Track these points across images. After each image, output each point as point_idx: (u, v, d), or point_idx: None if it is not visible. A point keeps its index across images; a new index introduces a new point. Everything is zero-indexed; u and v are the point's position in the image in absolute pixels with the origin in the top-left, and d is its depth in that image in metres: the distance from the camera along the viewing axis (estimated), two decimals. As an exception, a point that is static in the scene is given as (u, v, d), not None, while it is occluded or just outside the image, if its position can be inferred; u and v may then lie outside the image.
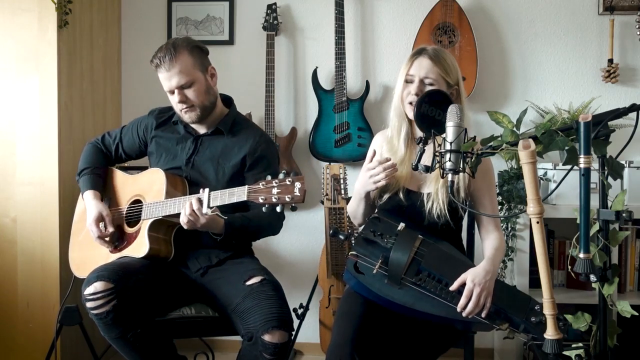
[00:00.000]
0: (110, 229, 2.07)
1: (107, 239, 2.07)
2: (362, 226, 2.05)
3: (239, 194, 1.80)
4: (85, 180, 2.18)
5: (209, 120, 2.13)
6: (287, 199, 1.72)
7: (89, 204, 2.12)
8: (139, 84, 3.18)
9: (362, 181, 1.88)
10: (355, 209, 2.02)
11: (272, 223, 2.11)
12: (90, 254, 2.13)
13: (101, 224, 2.06)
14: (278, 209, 1.74)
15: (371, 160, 1.85)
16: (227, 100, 2.22)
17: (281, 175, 1.75)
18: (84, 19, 2.76)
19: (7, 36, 2.54)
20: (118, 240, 2.09)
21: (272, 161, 2.15)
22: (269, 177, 1.77)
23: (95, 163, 2.22)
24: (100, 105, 2.95)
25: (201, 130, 2.16)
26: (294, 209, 1.76)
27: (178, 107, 2.06)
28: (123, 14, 3.18)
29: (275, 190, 1.74)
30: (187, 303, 2.05)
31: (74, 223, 2.29)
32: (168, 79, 2.01)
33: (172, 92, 2.04)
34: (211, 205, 1.85)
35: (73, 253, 2.23)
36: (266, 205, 1.75)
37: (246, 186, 1.79)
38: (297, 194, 1.71)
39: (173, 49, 2.00)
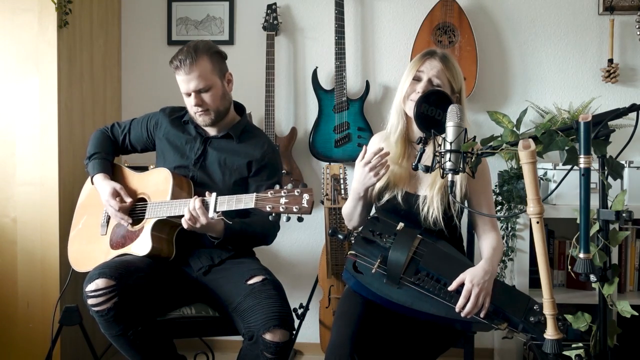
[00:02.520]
0: (128, 200, 2.07)
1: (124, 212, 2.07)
2: (360, 227, 2.06)
3: (246, 201, 1.81)
4: (95, 164, 2.18)
5: (221, 124, 2.15)
6: (295, 210, 1.74)
7: (100, 184, 2.12)
8: (139, 84, 3.18)
9: (359, 178, 1.86)
10: (351, 211, 1.99)
11: (267, 232, 2.14)
12: (89, 249, 2.14)
13: (117, 198, 2.07)
14: (284, 218, 1.75)
15: (364, 156, 1.84)
16: (240, 108, 2.25)
17: (290, 185, 1.77)
18: (84, 19, 2.76)
19: (7, 36, 2.54)
20: (119, 242, 2.09)
21: (276, 170, 2.18)
22: (277, 186, 1.78)
23: (106, 149, 2.23)
24: (100, 105, 2.95)
25: (212, 132, 2.18)
26: (300, 220, 1.76)
27: (193, 110, 2.09)
28: (123, 14, 3.18)
29: (283, 200, 1.75)
30: (188, 302, 2.06)
31: (77, 208, 2.29)
32: (186, 81, 2.03)
33: (189, 95, 2.06)
34: (217, 210, 1.86)
35: (72, 246, 2.23)
36: (273, 214, 1.76)
37: (254, 194, 1.81)
38: (305, 205, 1.73)
39: (194, 53, 2.01)
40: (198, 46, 2.04)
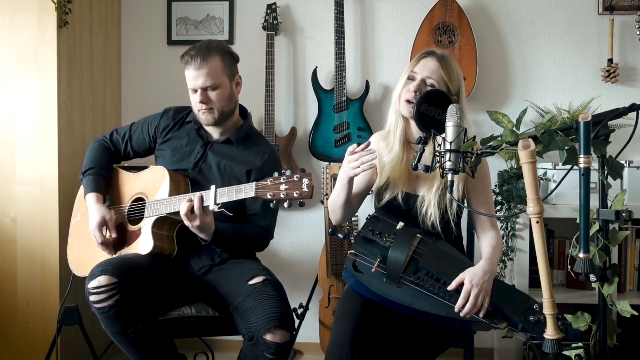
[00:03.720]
0: (114, 235, 2.07)
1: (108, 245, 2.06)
2: (340, 223, 2.04)
3: (247, 191, 1.82)
4: (89, 181, 2.16)
5: (223, 127, 2.14)
6: (295, 195, 1.74)
7: (92, 208, 2.10)
8: (139, 84, 3.18)
9: (344, 166, 1.85)
10: (335, 199, 1.96)
11: (259, 240, 2.13)
12: (90, 253, 2.13)
13: (104, 229, 2.06)
14: (286, 205, 1.75)
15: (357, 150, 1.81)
16: (244, 112, 2.23)
17: (288, 172, 1.77)
18: (84, 19, 2.77)
19: (7, 36, 2.54)
20: (119, 243, 2.09)
21: None
22: (276, 174, 1.78)
23: (102, 164, 2.20)
24: (100, 105, 2.95)
25: (215, 135, 2.16)
26: (302, 205, 1.77)
27: (197, 107, 2.07)
28: (123, 14, 3.18)
29: (283, 187, 1.76)
30: (189, 301, 2.06)
31: (73, 219, 2.28)
32: (195, 77, 2.03)
33: (195, 91, 2.05)
34: (218, 202, 1.86)
35: (72, 251, 2.23)
36: (274, 202, 1.76)
37: (254, 182, 1.81)
38: (305, 190, 1.74)
39: (207, 51, 2.02)
40: (211, 45, 2.05)
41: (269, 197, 1.77)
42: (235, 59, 2.12)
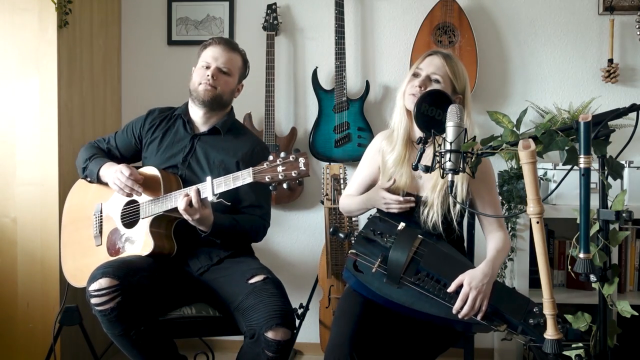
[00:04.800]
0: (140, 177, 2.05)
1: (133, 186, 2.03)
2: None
3: (244, 177, 1.83)
4: (97, 161, 2.15)
5: (211, 118, 2.17)
6: (294, 175, 1.76)
7: (111, 166, 2.09)
8: (139, 84, 3.18)
9: (376, 199, 1.94)
10: (354, 209, 2.08)
11: (257, 229, 2.14)
12: (87, 262, 2.09)
13: (131, 170, 2.04)
14: (285, 185, 1.77)
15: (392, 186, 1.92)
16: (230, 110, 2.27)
17: (283, 154, 1.79)
18: (84, 19, 2.76)
19: (7, 36, 2.54)
20: (117, 248, 2.08)
21: None
22: (271, 157, 1.79)
23: (100, 153, 2.22)
24: (100, 105, 2.95)
25: (201, 128, 2.18)
26: (300, 183, 1.78)
27: (203, 79, 2.12)
28: (123, 14, 3.18)
29: (280, 168, 1.77)
30: (190, 301, 2.06)
31: (63, 230, 2.26)
32: (217, 56, 2.13)
33: (208, 67, 2.12)
34: (216, 192, 1.87)
35: (67, 263, 2.20)
36: (273, 185, 1.77)
37: (250, 168, 1.81)
38: (303, 168, 1.76)
39: (236, 46, 2.20)
40: (239, 47, 2.22)
41: (267, 179, 1.78)
42: (246, 72, 2.25)
